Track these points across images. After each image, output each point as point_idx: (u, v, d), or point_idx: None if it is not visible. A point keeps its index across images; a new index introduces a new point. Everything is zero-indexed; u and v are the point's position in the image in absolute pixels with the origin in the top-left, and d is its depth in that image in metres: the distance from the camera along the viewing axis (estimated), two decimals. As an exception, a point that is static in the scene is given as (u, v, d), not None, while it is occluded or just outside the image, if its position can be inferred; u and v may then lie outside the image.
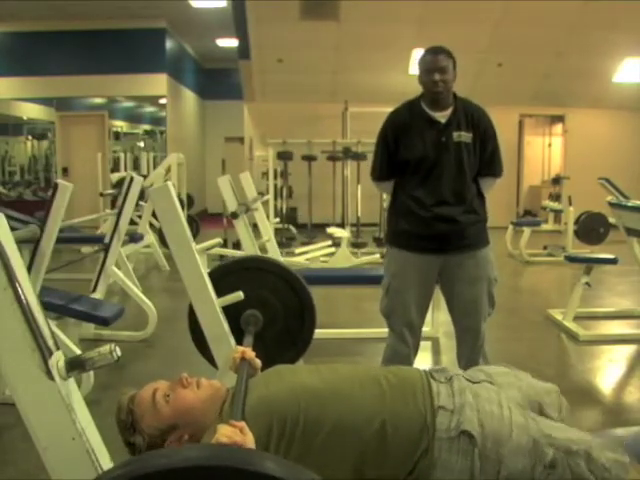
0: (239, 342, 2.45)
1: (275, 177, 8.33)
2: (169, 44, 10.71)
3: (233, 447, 1.17)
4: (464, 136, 2.60)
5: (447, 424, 1.48)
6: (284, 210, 8.71)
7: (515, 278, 6.80)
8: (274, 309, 2.74)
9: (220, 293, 2.62)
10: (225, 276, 2.82)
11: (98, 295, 4.21)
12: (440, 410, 1.51)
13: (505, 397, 1.56)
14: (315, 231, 8.40)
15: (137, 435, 1.57)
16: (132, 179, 4.72)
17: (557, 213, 8.90)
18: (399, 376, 1.62)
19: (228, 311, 2.64)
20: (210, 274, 2.72)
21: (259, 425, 1.41)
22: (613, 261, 4.57)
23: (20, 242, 2.41)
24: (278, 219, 8.17)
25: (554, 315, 4.70)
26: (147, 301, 4.30)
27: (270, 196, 7.52)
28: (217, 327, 2.57)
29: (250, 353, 1.81)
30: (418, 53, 2.77)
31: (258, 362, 1.80)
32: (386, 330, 2.80)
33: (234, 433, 1.25)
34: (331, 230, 7.36)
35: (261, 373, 1.75)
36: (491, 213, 2.78)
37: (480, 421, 1.48)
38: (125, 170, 10.58)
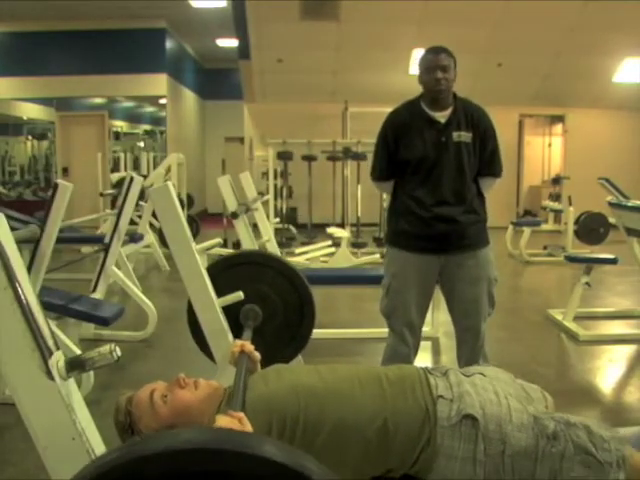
0: (238, 336, 2.45)
1: (275, 177, 8.33)
2: (169, 44, 10.71)
3: (232, 431, 1.17)
4: (464, 136, 2.60)
5: (448, 412, 1.51)
6: (284, 210, 8.71)
7: (515, 278, 6.80)
8: (273, 304, 2.73)
9: (219, 288, 2.62)
10: (224, 271, 2.81)
11: (98, 295, 4.21)
12: (440, 399, 1.53)
13: (500, 388, 1.59)
14: (315, 231, 8.39)
15: (135, 436, 1.57)
16: (132, 179, 4.72)
17: (557, 213, 8.90)
18: (398, 374, 1.63)
19: (227, 306, 2.64)
20: (209, 269, 2.72)
21: (258, 422, 1.41)
22: (613, 261, 4.57)
23: (20, 242, 2.41)
24: (278, 219, 8.17)
25: (554, 315, 4.70)
26: (147, 301, 4.30)
27: (270, 196, 7.52)
28: (217, 327, 2.57)
29: (249, 346, 1.81)
30: (418, 53, 2.78)
31: (257, 355, 1.81)
32: (386, 330, 2.80)
33: (232, 423, 1.25)
34: (331, 230, 7.36)
35: (260, 371, 1.75)
36: (491, 213, 2.78)
37: (481, 405, 1.51)
38: (125, 170, 10.58)
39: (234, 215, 5.09)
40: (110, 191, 8.20)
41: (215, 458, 0.94)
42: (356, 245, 7.68)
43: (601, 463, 1.43)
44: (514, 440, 1.46)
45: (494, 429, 1.47)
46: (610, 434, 1.49)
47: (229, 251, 6.44)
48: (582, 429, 1.47)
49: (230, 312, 2.63)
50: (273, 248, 5.91)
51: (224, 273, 2.78)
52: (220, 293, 2.61)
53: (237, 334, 2.53)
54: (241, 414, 1.30)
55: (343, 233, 7.14)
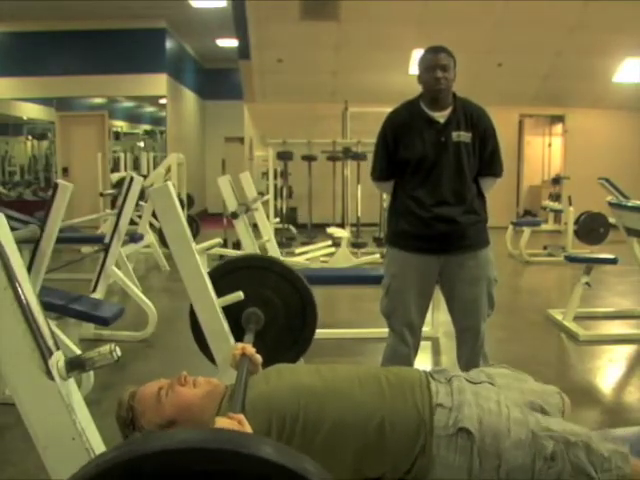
0: (240, 340, 2.45)
1: (275, 177, 8.33)
2: (169, 44, 10.71)
3: (230, 430, 1.17)
4: (463, 136, 2.60)
5: (445, 421, 1.49)
6: (284, 210, 8.71)
7: (515, 278, 6.80)
8: (275, 308, 2.74)
9: (221, 292, 2.62)
10: (227, 274, 2.82)
11: (98, 295, 4.21)
12: (438, 408, 1.52)
13: (504, 397, 1.56)
14: (315, 231, 8.40)
15: (137, 432, 1.58)
16: (132, 179, 4.72)
17: (557, 213, 8.90)
18: (399, 375, 1.63)
19: (229, 310, 2.64)
20: (211, 273, 2.72)
21: (258, 421, 1.42)
22: (613, 261, 4.57)
23: (20, 242, 2.41)
24: (278, 219, 8.18)
25: (554, 315, 4.70)
26: (147, 301, 4.30)
27: (270, 196, 7.52)
28: (217, 327, 2.57)
29: (250, 349, 1.82)
30: (418, 53, 2.77)
31: (258, 358, 1.82)
32: (386, 330, 2.80)
33: (231, 425, 1.25)
34: (331, 230, 7.36)
35: (261, 371, 1.76)
36: (491, 213, 2.77)
37: (479, 417, 1.49)
38: (125, 170, 10.59)
39: (234, 215, 5.09)
40: (110, 191, 8.20)
41: (212, 458, 0.94)
42: (356, 245, 7.68)
43: None
44: (510, 457, 1.44)
45: (490, 443, 1.45)
46: (613, 448, 1.45)
47: (229, 251, 6.45)
48: (582, 448, 1.43)
49: (232, 316, 2.63)
50: (273, 248, 5.91)
51: (226, 277, 2.78)
52: (222, 297, 2.61)
53: (239, 338, 2.53)
54: (240, 416, 1.31)
55: (343, 233, 7.14)
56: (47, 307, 2.78)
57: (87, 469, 0.98)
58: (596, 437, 1.48)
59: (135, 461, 0.94)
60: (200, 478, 0.94)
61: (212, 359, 2.67)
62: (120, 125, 12.00)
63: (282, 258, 6.00)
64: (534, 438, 1.45)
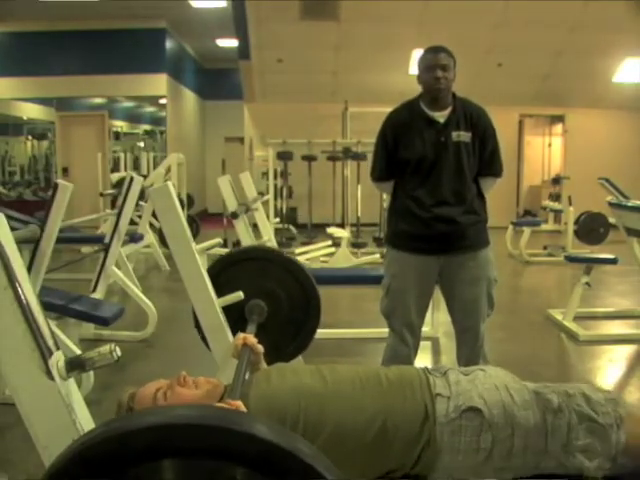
0: (244, 332, 2.46)
1: (275, 177, 8.33)
2: (169, 44, 10.71)
3: (222, 408, 1.15)
4: (463, 136, 2.60)
5: (445, 409, 1.52)
6: (284, 210, 8.71)
7: (515, 278, 6.80)
8: (279, 300, 2.73)
9: (225, 283, 2.62)
10: (230, 266, 2.81)
11: (98, 295, 4.21)
12: (438, 397, 1.55)
13: (499, 380, 1.61)
14: (315, 231, 8.40)
15: None
16: (132, 179, 4.72)
17: (557, 213, 8.91)
18: (398, 374, 1.64)
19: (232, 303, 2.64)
20: (215, 264, 2.73)
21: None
22: (613, 261, 4.57)
23: (20, 242, 2.41)
24: (278, 219, 8.18)
25: (554, 315, 4.70)
26: (147, 301, 4.30)
27: (270, 196, 7.52)
28: (217, 327, 2.57)
29: (252, 339, 1.83)
30: (418, 53, 2.77)
31: (260, 348, 1.83)
32: (386, 330, 2.81)
33: None
34: (331, 230, 7.36)
35: (262, 370, 1.77)
36: (491, 213, 2.77)
37: (480, 395, 1.53)
38: (125, 170, 10.59)
39: (234, 215, 5.09)
40: (110, 191, 8.20)
41: (203, 434, 0.91)
42: (356, 245, 7.68)
43: (604, 426, 1.47)
44: (522, 420, 1.48)
45: (499, 413, 1.49)
46: (604, 396, 1.54)
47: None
48: (581, 398, 1.52)
49: (235, 307, 2.63)
50: (273, 248, 5.91)
51: (230, 268, 2.78)
52: (226, 288, 2.61)
53: (242, 329, 2.53)
54: (238, 402, 1.31)
55: (343, 233, 7.14)
56: (47, 307, 2.78)
57: (78, 442, 0.96)
58: (587, 387, 1.57)
59: (124, 436, 0.92)
60: (191, 456, 0.91)
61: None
62: (120, 125, 12.00)
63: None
64: (538, 396, 1.52)
